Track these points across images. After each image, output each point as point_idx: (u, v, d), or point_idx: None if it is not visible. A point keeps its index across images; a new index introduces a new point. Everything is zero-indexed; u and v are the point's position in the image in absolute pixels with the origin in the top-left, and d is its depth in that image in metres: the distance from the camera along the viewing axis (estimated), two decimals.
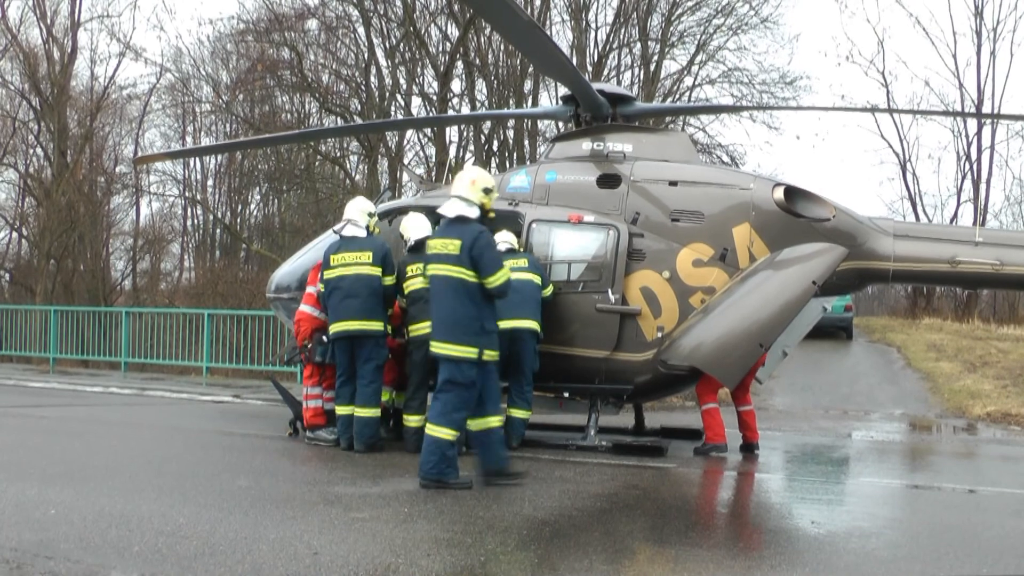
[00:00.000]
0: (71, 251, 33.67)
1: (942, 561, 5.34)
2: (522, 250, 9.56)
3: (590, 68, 28.57)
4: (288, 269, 10.97)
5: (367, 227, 9.06)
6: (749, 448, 9.76)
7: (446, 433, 6.85)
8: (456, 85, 29.21)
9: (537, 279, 9.20)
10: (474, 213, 7.04)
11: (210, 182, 40.29)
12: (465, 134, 30.72)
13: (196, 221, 41.35)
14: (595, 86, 10.16)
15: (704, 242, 9.38)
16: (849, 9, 69.21)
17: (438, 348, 6.97)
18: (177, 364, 20.50)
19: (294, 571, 4.62)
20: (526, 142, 28.70)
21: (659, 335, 9.28)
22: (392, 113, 28.11)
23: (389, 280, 8.86)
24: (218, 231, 39.64)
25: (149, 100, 35.51)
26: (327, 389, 9.26)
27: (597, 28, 31.24)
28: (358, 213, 9.09)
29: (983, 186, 35.00)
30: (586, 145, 10.10)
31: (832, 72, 71.29)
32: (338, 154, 30.56)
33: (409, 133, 30.11)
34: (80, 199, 32.44)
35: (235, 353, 19.40)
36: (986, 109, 34.13)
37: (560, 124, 21.24)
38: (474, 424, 7.14)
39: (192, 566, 4.68)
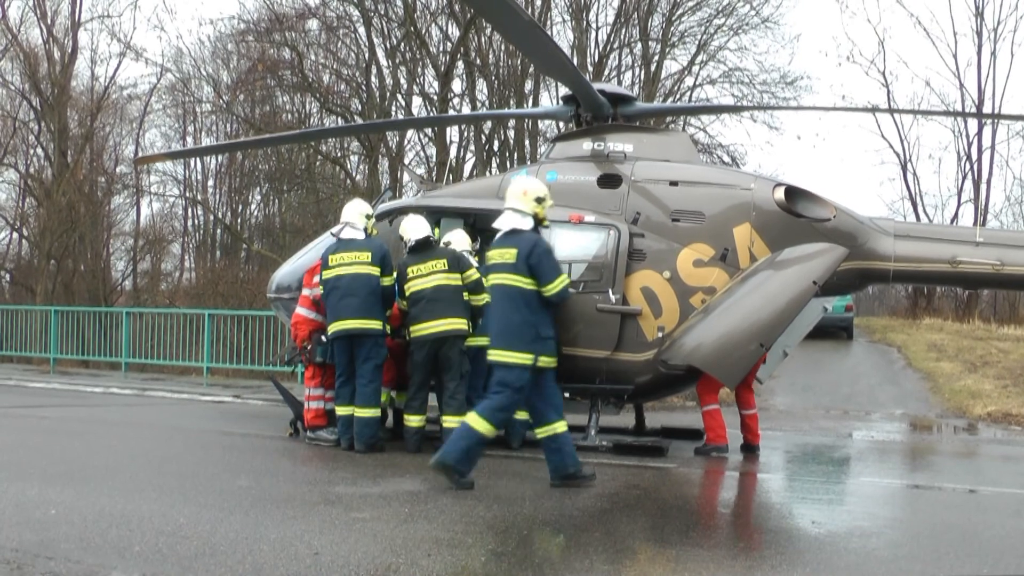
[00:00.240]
0: (71, 251, 33.68)
1: (942, 561, 5.33)
2: None
3: (591, 68, 28.58)
4: (289, 269, 10.97)
5: (364, 229, 9.07)
6: (750, 450, 9.75)
7: (485, 428, 6.89)
8: (457, 85, 29.28)
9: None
10: (528, 224, 7.14)
11: (211, 182, 40.32)
12: (466, 134, 30.76)
13: (197, 221, 41.40)
14: (596, 86, 10.16)
15: (705, 242, 9.38)
16: (850, 9, 69.06)
17: (495, 355, 7.04)
18: (178, 364, 20.50)
19: (295, 571, 4.62)
20: (527, 142, 28.71)
21: (660, 335, 9.28)
22: (393, 113, 28.13)
23: (388, 280, 8.87)
24: (219, 231, 39.63)
25: (150, 100, 35.57)
26: (328, 389, 9.26)
27: (598, 28, 31.30)
28: (355, 215, 9.10)
29: (984, 186, 35.01)
30: (587, 145, 10.09)
31: (833, 72, 71.36)
32: (339, 154, 30.59)
33: (410, 133, 30.13)
34: (80, 199, 32.45)
35: (236, 353, 19.40)
36: (987, 109, 34.12)
37: (561, 124, 21.23)
38: (541, 432, 7.20)
39: (193, 566, 4.68)
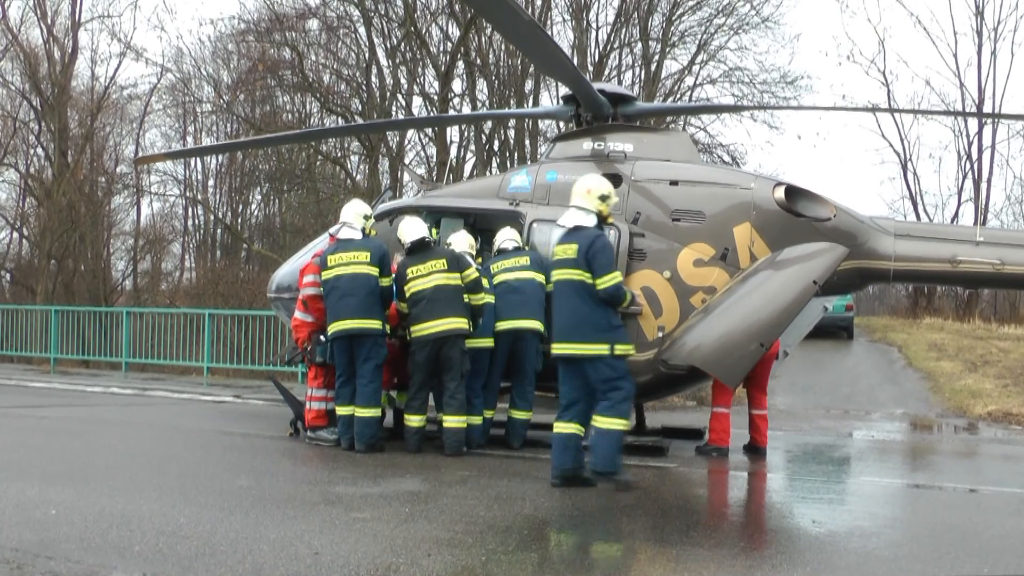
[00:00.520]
0: (72, 251, 33.67)
1: (943, 560, 5.34)
2: (525, 248, 9.56)
3: (591, 68, 28.58)
4: (289, 269, 10.97)
5: (362, 229, 9.07)
6: (755, 451, 9.74)
7: (618, 424, 7.05)
8: (457, 85, 29.27)
9: (540, 277, 9.19)
10: (591, 221, 7.26)
11: (211, 182, 40.32)
12: (466, 134, 30.76)
13: (197, 221, 41.41)
14: (596, 86, 10.15)
15: (705, 242, 9.37)
16: (850, 9, 69.16)
17: (563, 349, 7.12)
18: (178, 364, 20.49)
19: (295, 571, 4.63)
20: (527, 142, 28.70)
21: (660, 335, 9.28)
22: (393, 113, 28.13)
23: (386, 281, 8.87)
24: (219, 231, 39.64)
25: (150, 100, 35.55)
26: (330, 390, 9.26)
27: (598, 28, 31.29)
28: (353, 216, 9.11)
29: (984, 185, 35.04)
30: (587, 145, 10.09)
31: (833, 72, 71.27)
32: (339, 154, 30.58)
33: (410, 133, 30.14)
34: (81, 199, 32.44)
35: (236, 353, 19.40)
36: (987, 109, 34.15)
37: (561, 124, 21.24)
38: (564, 426, 7.25)
39: (193, 566, 4.68)
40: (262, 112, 30.72)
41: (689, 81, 32.41)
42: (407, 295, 8.84)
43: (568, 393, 7.27)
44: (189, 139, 38.51)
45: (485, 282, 9.11)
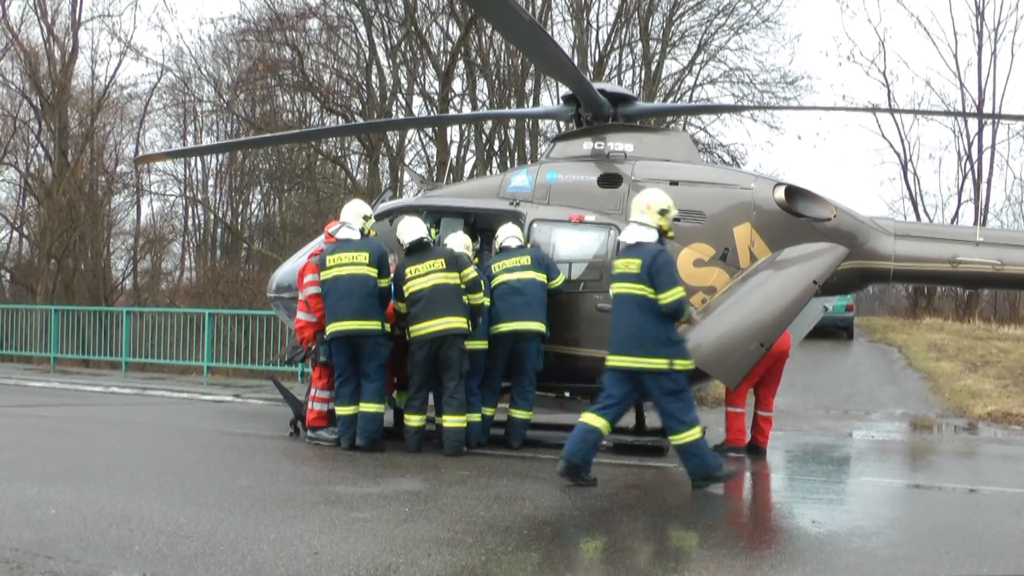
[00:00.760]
0: (72, 250, 33.67)
1: (943, 561, 5.34)
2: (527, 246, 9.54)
3: (591, 68, 28.57)
4: (289, 269, 10.95)
5: (361, 230, 9.07)
6: (755, 451, 9.74)
7: (691, 434, 7.15)
8: (457, 85, 29.26)
9: (542, 277, 9.19)
10: (652, 236, 7.34)
11: (211, 182, 40.32)
12: (466, 134, 30.75)
13: (197, 221, 41.40)
14: (596, 86, 10.15)
15: (705, 242, 9.37)
16: (850, 9, 68.97)
17: (622, 361, 7.20)
18: (178, 364, 20.49)
19: (295, 571, 4.63)
20: (527, 142, 28.69)
21: None
22: (393, 113, 28.13)
23: (384, 282, 8.88)
24: (219, 231, 39.63)
25: (150, 99, 35.55)
26: (332, 390, 9.25)
27: (598, 28, 31.26)
28: (353, 216, 9.11)
29: (984, 186, 35.03)
30: (587, 145, 10.09)
31: (833, 72, 71.04)
32: (339, 154, 30.58)
33: (410, 133, 30.13)
34: (81, 198, 32.44)
35: (236, 353, 19.40)
36: (987, 109, 34.14)
37: (561, 124, 21.23)
38: (596, 419, 7.30)
39: (193, 566, 4.68)
40: (262, 112, 30.72)
41: (689, 81, 32.44)
42: (406, 295, 8.84)
43: (612, 396, 7.31)
44: (189, 138, 38.52)
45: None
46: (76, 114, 33.97)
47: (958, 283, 14.96)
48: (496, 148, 29.63)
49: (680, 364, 7.16)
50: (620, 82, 29.67)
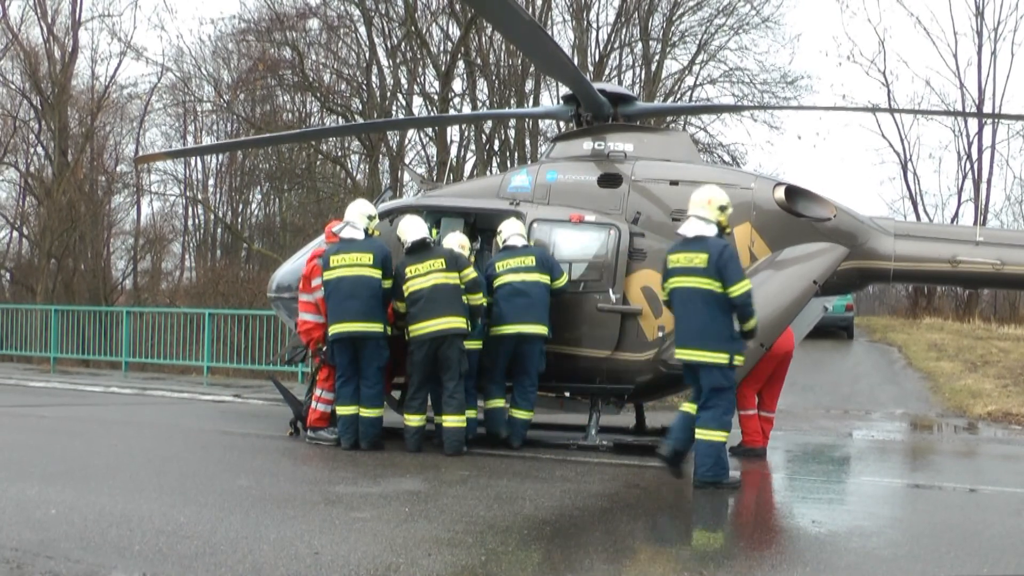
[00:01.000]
0: (72, 250, 33.67)
1: (943, 560, 5.33)
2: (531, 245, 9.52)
3: (591, 68, 28.57)
4: (289, 268, 10.95)
5: (365, 230, 9.06)
6: (755, 452, 9.73)
7: (719, 435, 7.23)
8: (457, 85, 29.27)
9: (546, 278, 9.16)
10: (712, 231, 7.41)
11: (211, 181, 40.32)
12: (466, 134, 30.77)
13: (197, 220, 41.40)
14: (596, 86, 10.15)
15: None
16: (850, 9, 68.95)
17: (688, 355, 7.32)
18: (178, 364, 20.50)
19: (295, 571, 4.63)
20: (527, 142, 28.69)
21: (660, 335, 9.27)
22: (393, 113, 28.14)
23: (388, 283, 8.88)
24: (219, 230, 39.63)
25: (150, 99, 35.51)
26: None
27: (598, 28, 31.28)
28: (357, 216, 9.10)
29: (984, 186, 35.03)
30: (587, 145, 10.09)
31: (833, 72, 71.09)
32: (339, 154, 30.58)
33: (410, 133, 30.14)
34: (81, 198, 32.44)
35: (236, 353, 19.40)
36: (987, 109, 34.14)
37: (561, 124, 21.23)
38: (687, 406, 7.50)
39: (193, 565, 4.68)
40: (262, 111, 30.72)
41: (689, 81, 32.47)
42: (405, 294, 8.84)
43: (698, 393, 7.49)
44: (189, 138, 38.51)
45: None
46: (76, 114, 33.98)
47: (958, 283, 14.98)
48: (496, 148, 29.64)
49: (738, 360, 7.31)
50: (620, 82, 29.67)
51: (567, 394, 9.84)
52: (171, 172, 37.70)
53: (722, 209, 7.51)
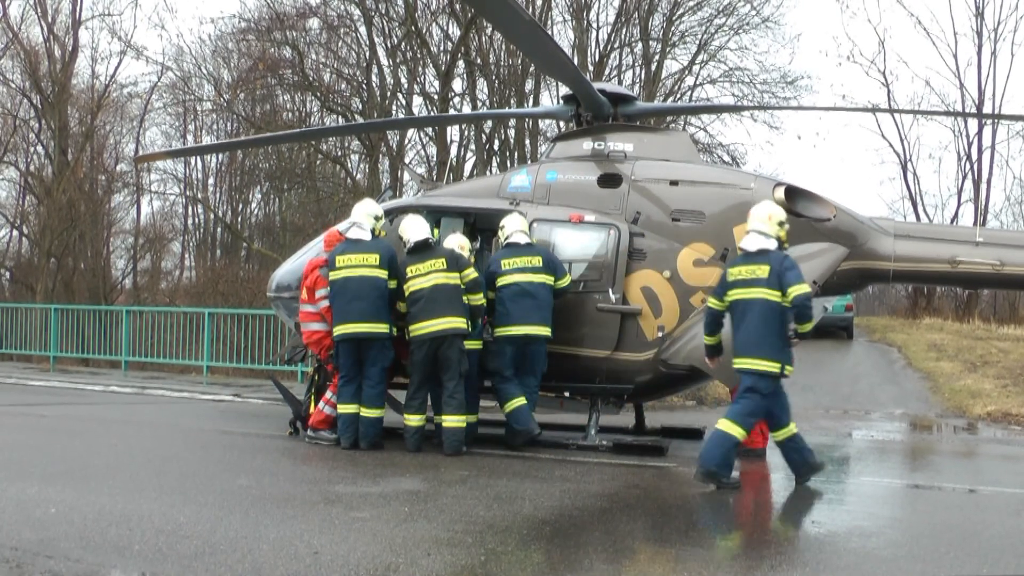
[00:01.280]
0: (72, 249, 33.66)
1: (943, 561, 5.34)
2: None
3: (591, 68, 28.55)
4: (289, 268, 10.94)
5: (372, 230, 9.05)
6: (754, 452, 9.72)
7: (738, 432, 7.40)
8: (457, 84, 29.23)
9: (551, 279, 9.14)
10: (772, 245, 7.68)
11: (211, 181, 40.31)
12: (466, 133, 30.74)
13: (197, 220, 41.39)
14: (596, 86, 10.15)
15: (705, 242, 9.37)
16: (850, 9, 68.86)
17: (745, 363, 7.52)
18: (177, 363, 20.49)
19: (294, 570, 4.63)
20: (527, 141, 28.68)
21: (660, 335, 9.28)
22: (393, 112, 28.11)
23: (393, 284, 8.88)
24: (219, 230, 39.62)
25: (150, 99, 35.48)
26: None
27: (598, 27, 31.25)
28: (364, 216, 9.09)
29: (984, 186, 35.00)
30: (587, 145, 10.09)
31: (833, 72, 71.12)
32: (339, 153, 30.56)
33: (410, 132, 30.12)
34: (81, 197, 32.42)
35: (235, 352, 19.40)
36: (987, 109, 34.12)
37: (561, 124, 21.22)
38: (779, 435, 7.80)
39: (192, 565, 4.68)
40: (262, 111, 30.68)
41: (689, 81, 32.44)
42: (406, 294, 8.84)
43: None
44: (189, 138, 38.50)
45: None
46: (76, 113, 33.96)
47: (958, 283, 14.96)
48: (496, 148, 29.62)
49: (789, 370, 7.54)
50: (620, 82, 29.66)
51: (567, 394, 9.84)
52: (171, 171, 37.74)
53: (781, 224, 7.78)
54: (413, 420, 8.89)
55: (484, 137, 29.53)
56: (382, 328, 8.77)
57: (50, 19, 33.48)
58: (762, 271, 7.50)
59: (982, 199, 34.31)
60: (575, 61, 23.80)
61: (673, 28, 31.24)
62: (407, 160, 30.81)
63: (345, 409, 8.86)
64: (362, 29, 28.45)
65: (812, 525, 6.47)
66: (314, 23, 28.24)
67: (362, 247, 8.91)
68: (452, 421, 8.70)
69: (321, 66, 28.92)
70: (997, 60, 35.07)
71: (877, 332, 26.82)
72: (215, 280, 28.29)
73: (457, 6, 26.60)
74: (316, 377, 9.80)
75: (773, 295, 7.44)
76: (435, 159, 28.25)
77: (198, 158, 38.04)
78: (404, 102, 29.37)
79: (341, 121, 27.62)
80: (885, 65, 58.62)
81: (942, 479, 8.88)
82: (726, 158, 30.65)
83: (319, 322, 9.22)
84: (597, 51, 30.58)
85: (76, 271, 33.85)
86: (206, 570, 4.60)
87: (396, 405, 9.59)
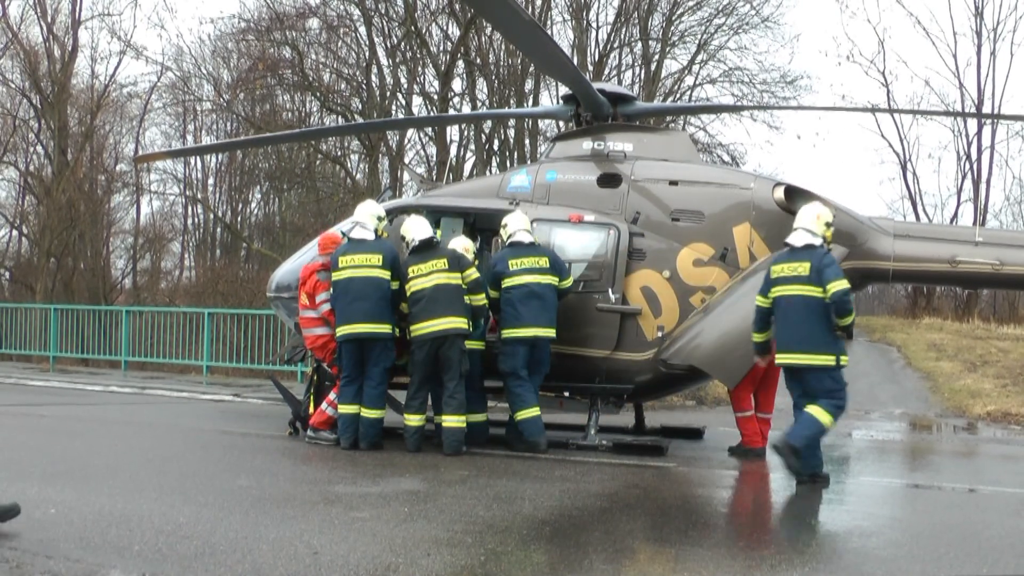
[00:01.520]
0: (71, 249, 33.65)
1: (942, 560, 5.34)
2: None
3: (591, 67, 28.55)
4: (289, 268, 10.95)
5: (375, 230, 9.06)
6: (754, 452, 9.73)
7: (827, 419, 7.56)
8: (457, 84, 29.23)
9: (556, 280, 9.13)
10: (817, 243, 7.87)
11: (211, 181, 40.28)
12: (466, 133, 30.73)
13: (197, 220, 41.36)
14: (596, 85, 10.16)
15: (704, 242, 9.38)
16: (849, 9, 68.87)
17: (794, 359, 7.74)
18: (177, 363, 20.50)
19: (294, 571, 4.63)
20: (527, 141, 28.67)
21: (659, 335, 9.28)
22: (393, 112, 28.11)
23: (396, 284, 8.88)
24: (219, 230, 39.60)
25: (150, 99, 35.47)
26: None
27: (598, 27, 31.24)
28: (367, 216, 9.09)
29: (983, 186, 35.01)
30: (587, 144, 10.09)
31: (833, 72, 71.21)
32: (339, 153, 30.54)
33: (410, 132, 30.10)
34: (80, 197, 32.41)
35: (235, 352, 19.40)
36: (986, 109, 34.12)
37: (561, 123, 21.22)
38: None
39: (192, 565, 4.68)
40: (262, 111, 30.67)
41: (689, 81, 32.44)
42: (408, 294, 8.84)
43: (799, 399, 7.82)
44: (189, 138, 38.49)
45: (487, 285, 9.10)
46: (76, 113, 33.96)
47: (957, 283, 14.97)
48: (496, 148, 29.61)
49: (844, 360, 7.73)
50: (620, 82, 29.65)
51: (567, 394, 9.83)
52: (171, 171, 37.74)
53: (828, 225, 7.96)
54: (413, 420, 8.89)
55: (484, 137, 29.52)
56: (384, 329, 8.77)
57: (50, 19, 33.51)
58: (803, 268, 7.68)
59: (981, 199, 34.34)
60: (575, 61, 23.81)
61: (672, 28, 31.25)
62: (407, 160, 30.82)
63: (346, 409, 8.86)
64: (362, 29, 28.46)
65: (812, 525, 6.47)
66: (314, 23, 28.25)
67: (365, 247, 8.91)
68: (452, 421, 8.71)
69: (321, 66, 28.93)
70: (996, 60, 35.07)
71: (877, 332, 26.81)
72: (215, 280, 28.28)
73: (457, 6, 26.59)
74: (315, 378, 9.79)
75: (815, 291, 7.59)
76: (435, 159, 28.25)
77: (198, 158, 38.02)
78: (404, 102, 29.38)
79: (341, 121, 27.62)
80: (885, 65, 58.59)
81: (942, 479, 8.89)
82: (726, 158, 30.67)
83: (322, 327, 9.22)
84: (596, 51, 30.60)
85: (76, 271, 33.84)
86: (206, 570, 4.60)
87: (396, 405, 9.60)
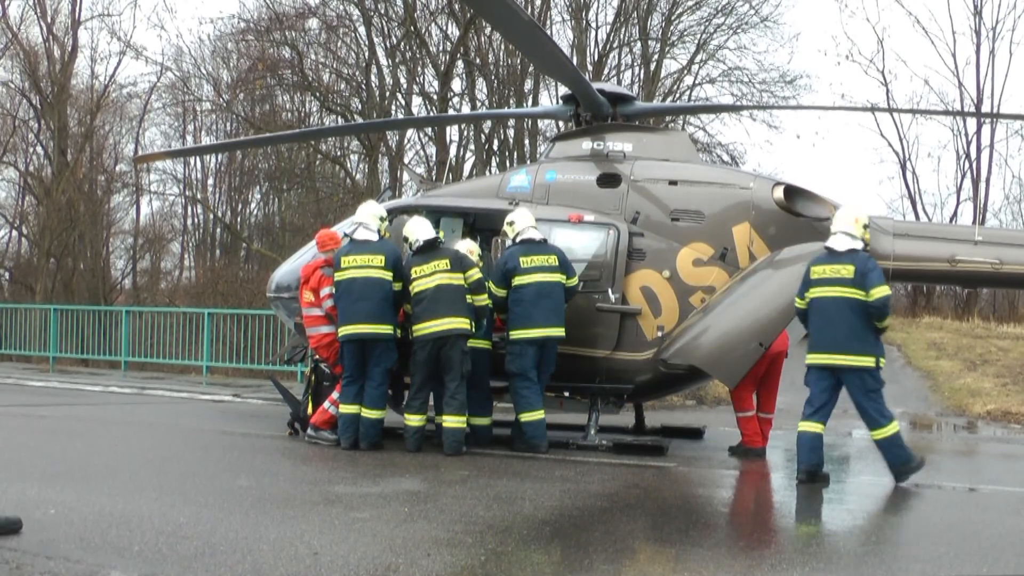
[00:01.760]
0: (71, 250, 33.65)
1: (942, 560, 5.34)
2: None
3: (590, 67, 28.54)
4: (288, 268, 10.95)
5: (378, 231, 9.05)
6: (754, 452, 9.73)
7: (894, 427, 7.88)
8: (456, 84, 29.21)
9: (563, 278, 9.11)
10: (859, 245, 7.99)
11: (210, 181, 40.25)
12: (465, 133, 30.71)
13: (196, 220, 41.32)
14: (595, 85, 10.16)
15: (704, 241, 9.38)
16: (849, 8, 68.84)
17: (832, 359, 7.87)
18: (177, 363, 20.50)
19: (294, 571, 4.63)
20: (526, 141, 28.67)
21: (659, 334, 9.28)
22: (393, 112, 28.10)
23: (398, 285, 8.88)
24: (218, 230, 39.56)
25: (149, 99, 35.48)
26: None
27: (597, 27, 31.22)
28: (369, 217, 9.09)
29: (983, 185, 34.96)
30: (586, 144, 10.09)
31: (832, 71, 70.93)
32: (339, 153, 30.53)
33: (410, 132, 30.09)
34: (80, 198, 32.42)
35: (235, 352, 19.40)
36: (985, 108, 34.07)
37: (560, 123, 21.22)
38: (805, 425, 8.04)
39: (192, 566, 4.68)
40: (262, 111, 30.66)
41: (688, 81, 32.42)
42: (410, 294, 8.84)
43: (820, 396, 8.03)
44: (188, 138, 38.47)
45: (490, 285, 9.09)
46: (76, 113, 33.97)
47: (957, 282, 14.96)
48: (495, 148, 29.61)
49: (882, 362, 7.83)
50: (619, 82, 29.64)
51: (567, 394, 9.83)
52: (170, 172, 37.72)
53: (865, 227, 8.07)
54: (413, 420, 8.88)
55: (483, 137, 29.51)
56: (386, 329, 8.78)
57: (49, 19, 33.53)
58: (847, 271, 7.77)
59: (981, 198, 34.30)
60: (574, 61, 23.79)
61: (672, 28, 31.23)
62: (406, 160, 30.81)
63: (346, 409, 8.86)
64: (361, 29, 28.44)
65: (812, 525, 6.47)
66: (313, 23, 28.25)
67: (368, 248, 8.91)
68: (452, 421, 8.71)
69: (320, 66, 28.91)
70: (996, 59, 35.00)
71: None
72: (215, 280, 28.28)
73: (456, 6, 26.58)
74: (313, 378, 9.77)
75: (858, 294, 7.69)
76: (434, 159, 28.24)
77: (197, 158, 38.00)
78: (403, 102, 29.36)
79: (340, 121, 27.61)
80: (884, 64, 58.26)
81: (942, 478, 8.88)
82: (725, 157, 30.66)
83: (327, 325, 9.21)
84: (596, 51, 30.59)
85: (76, 271, 33.84)
86: (206, 571, 4.60)
87: (395, 404, 9.60)
